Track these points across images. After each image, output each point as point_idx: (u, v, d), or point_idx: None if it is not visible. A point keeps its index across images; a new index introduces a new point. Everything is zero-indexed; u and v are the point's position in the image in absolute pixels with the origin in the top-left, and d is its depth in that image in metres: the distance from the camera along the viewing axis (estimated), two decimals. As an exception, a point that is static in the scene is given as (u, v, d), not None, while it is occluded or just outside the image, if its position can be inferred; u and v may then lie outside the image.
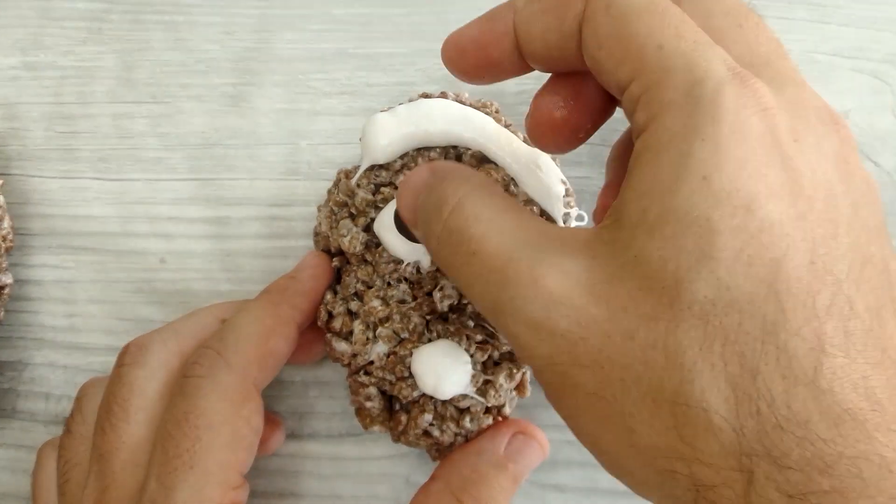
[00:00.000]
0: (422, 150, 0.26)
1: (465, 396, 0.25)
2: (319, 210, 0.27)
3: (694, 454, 0.15)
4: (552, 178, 0.25)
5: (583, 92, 0.20)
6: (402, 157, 0.26)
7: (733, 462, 0.15)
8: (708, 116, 0.16)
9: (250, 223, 0.30)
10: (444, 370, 0.24)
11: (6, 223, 0.28)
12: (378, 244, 0.25)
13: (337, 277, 0.26)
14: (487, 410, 0.25)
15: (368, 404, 0.25)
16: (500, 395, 0.25)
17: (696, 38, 0.17)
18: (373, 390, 0.25)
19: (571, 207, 0.26)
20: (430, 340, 0.25)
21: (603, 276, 0.17)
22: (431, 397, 0.25)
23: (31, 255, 0.30)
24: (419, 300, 0.25)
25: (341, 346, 0.25)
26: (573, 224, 0.26)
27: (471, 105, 0.26)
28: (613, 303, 0.16)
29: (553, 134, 0.21)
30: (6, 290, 0.28)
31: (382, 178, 0.26)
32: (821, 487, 0.14)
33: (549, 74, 0.21)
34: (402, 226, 0.24)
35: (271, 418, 0.28)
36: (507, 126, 0.26)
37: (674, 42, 0.17)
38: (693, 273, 0.15)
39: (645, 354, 0.16)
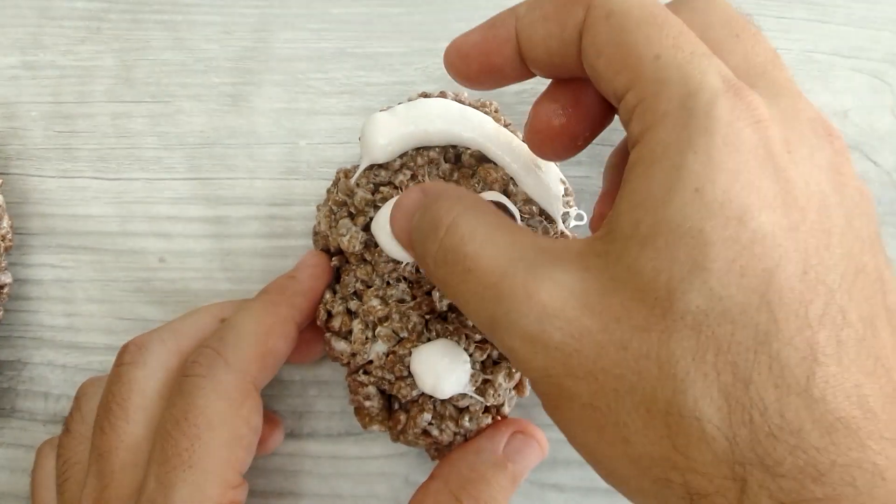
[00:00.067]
0: (421, 150, 0.26)
1: (464, 396, 0.25)
2: (318, 209, 0.27)
3: (688, 463, 0.15)
4: (551, 177, 0.25)
5: (582, 100, 0.21)
6: (401, 156, 0.26)
7: (726, 470, 0.15)
8: (701, 128, 0.16)
9: (249, 222, 0.30)
10: (444, 369, 0.24)
11: (5, 222, 0.28)
12: (377, 244, 0.25)
13: (336, 277, 0.26)
14: (486, 410, 0.25)
15: (367, 403, 0.25)
16: (499, 395, 0.25)
17: (694, 49, 0.17)
18: (372, 389, 0.25)
19: (571, 207, 0.26)
20: (429, 340, 0.25)
21: (596, 288, 0.17)
22: (430, 396, 0.25)
23: (31, 255, 0.30)
24: (418, 299, 0.25)
25: (340, 345, 0.25)
26: (572, 223, 0.26)
27: (470, 104, 0.26)
28: (606, 314, 0.17)
29: (552, 141, 0.21)
30: (5, 290, 0.28)
31: (382, 177, 0.26)
32: (814, 495, 0.15)
33: (549, 79, 0.21)
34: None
35: (270, 417, 0.28)
36: (506, 125, 0.26)
37: (671, 53, 0.17)
38: (686, 284, 0.16)
39: (638, 365, 0.16)
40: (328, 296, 0.26)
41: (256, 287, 0.26)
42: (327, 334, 0.26)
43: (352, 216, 0.26)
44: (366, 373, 0.25)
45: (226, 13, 0.31)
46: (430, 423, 0.25)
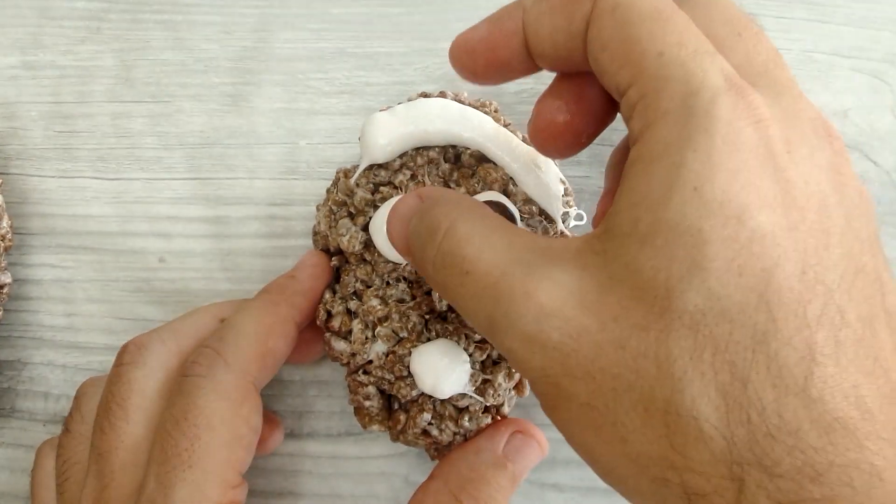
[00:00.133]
0: (421, 150, 0.26)
1: (463, 395, 0.25)
2: (318, 209, 0.27)
3: (685, 463, 0.15)
4: (551, 177, 0.25)
5: (585, 96, 0.21)
6: (401, 156, 0.26)
7: (724, 470, 0.15)
8: (701, 127, 0.16)
9: (249, 222, 0.30)
10: (443, 369, 0.24)
11: (5, 222, 0.28)
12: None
13: (336, 277, 0.26)
14: (486, 409, 0.25)
15: (367, 403, 0.25)
16: (498, 395, 0.25)
17: (698, 47, 0.17)
18: (372, 389, 0.25)
19: (570, 206, 0.26)
20: (428, 339, 0.25)
21: (594, 287, 0.17)
22: (430, 396, 0.25)
23: (30, 255, 0.30)
24: (418, 299, 0.25)
25: (340, 345, 0.25)
26: (572, 223, 0.26)
27: (470, 104, 0.26)
28: (604, 313, 0.16)
29: (555, 138, 0.21)
30: (5, 290, 0.28)
31: (381, 177, 0.26)
32: (811, 496, 0.15)
33: (554, 74, 0.21)
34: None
35: (270, 417, 0.28)
36: (506, 125, 0.26)
37: (674, 50, 0.17)
38: (684, 283, 0.16)
39: (636, 364, 0.16)
40: (328, 296, 0.26)
41: (256, 287, 0.26)
42: (327, 334, 0.26)
43: (352, 216, 0.26)
44: (365, 373, 0.25)
45: (226, 13, 0.31)
46: (429, 423, 0.25)
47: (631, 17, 0.17)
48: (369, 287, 0.25)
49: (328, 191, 0.27)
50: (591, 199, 0.29)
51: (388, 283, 0.25)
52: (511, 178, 0.25)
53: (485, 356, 0.25)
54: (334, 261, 0.26)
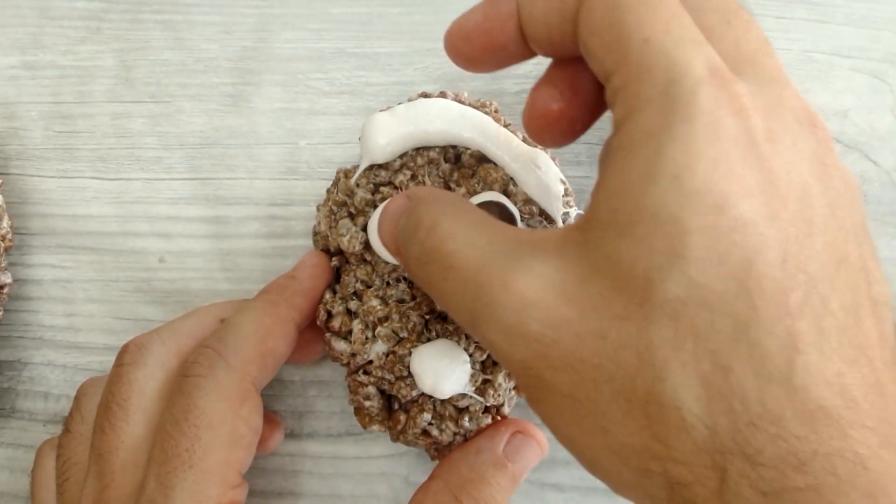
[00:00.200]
0: (421, 150, 0.26)
1: (463, 396, 0.25)
2: (318, 209, 0.27)
3: (668, 452, 0.15)
4: (551, 177, 0.25)
5: (580, 83, 0.20)
6: (401, 156, 0.26)
7: (706, 460, 0.15)
8: (682, 116, 0.16)
9: (249, 223, 0.30)
10: (443, 369, 0.24)
11: (5, 222, 0.28)
12: (377, 244, 0.25)
13: (336, 277, 0.26)
14: (486, 410, 0.25)
15: (367, 403, 0.25)
16: (498, 395, 0.25)
17: (684, 34, 0.17)
18: (372, 389, 0.25)
19: (571, 207, 0.26)
20: (429, 340, 0.25)
21: (574, 278, 0.17)
22: (430, 396, 0.25)
23: (30, 255, 0.30)
24: (418, 299, 0.25)
25: (340, 345, 0.25)
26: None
27: (470, 105, 0.26)
28: (585, 303, 0.16)
29: (550, 127, 0.21)
30: (5, 290, 0.28)
31: (382, 177, 0.26)
32: (795, 485, 0.14)
33: (550, 59, 0.21)
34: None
35: (270, 417, 0.28)
36: (506, 126, 0.26)
37: (660, 37, 0.17)
38: (664, 272, 0.15)
39: (617, 354, 0.16)
40: (328, 296, 0.26)
41: (256, 287, 0.26)
42: (327, 334, 0.26)
43: (352, 216, 0.26)
44: (366, 373, 0.25)
45: (226, 13, 0.31)
46: (429, 424, 0.25)
47: (620, 1, 0.17)
48: (369, 287, 0.25)
49: (328, 191, 0.27)
50: (591, 200, 0.29)
51: (388, 284, 0.25)
52: (511, 178, 0.25)
53: (485, 356, 0.25)
54: (334, 261, 0.26)
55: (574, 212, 0.26)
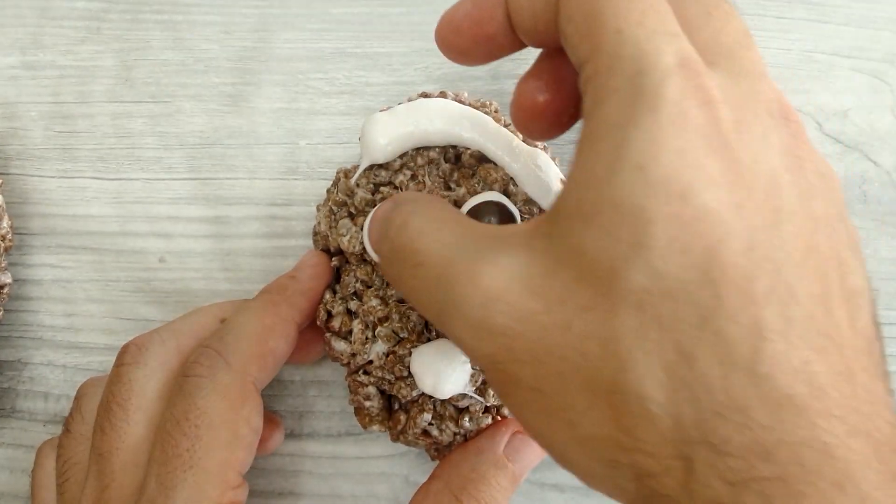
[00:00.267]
0: (421, 150, 0.26)
1: (464, 396, 0.25)
2: (319, 209, 0.27)
3: (633, 443, 0.15)
4: (551, 177, 0.25)
5: (565, 75, 0.20)
6: (401, 156, 0.26)
7: (672, 450, 0.15)
8: (647, 107, 0.16)
9: (249, 223, 0.30)
10: (443, 370, 0.24)
11: (5, 222, 0.28)
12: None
13: (336, 277, 0.26)
14: (486, 410, 0.25)
15: (367, 404, 0.25)
16: (499, 395, 0.25)
17: (657, 26, 0.17)
18: (372, 390, 0.25)
19: (570, 207, 0.26)
20: (429, 340, 0.25)
21: (539, 270, 0.17)
22: (430, 397, 0.25)
23: (31, 255, 0.30)
24: (418, 300, 0.25)
25: (340, 345, 0.25)
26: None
27: (470, 105, 0.26)
28: (550, 295, 0.16)
29: (537, 119, 0.21)
30: (5, 290, 0.28)
31: (382, 177, 0.26)
32: (762, 474, 0.14)
33: (539, 50, 0.21)
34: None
35: (271, 418, 0.28)
36: (506, 126, 0.26)
37: (633, 28, 0.16)
38: (628, 262, 0.15)
39: (581, 345, 0.16)
40: (328, 296, 0.26)
41: (256, 287, 0.26)
42: (327, 334, 0.26)
43: (352, 216, 0.26)
44: (366, 373, 0.25)
45: (226, 13, 0.31)
46: (430, 424, 0.25)
47: None
48: (370, 287, 0.25)
49: (328, 191, 0.27)
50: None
51: (388, 283, 0.25)
52: (511, 178, 0.25)
53: (485, 356, 0.25)
54: (335, 261, 0.26)
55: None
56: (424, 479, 0.25)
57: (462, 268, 0.18)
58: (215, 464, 0.22)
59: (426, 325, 0.25)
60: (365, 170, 0.26)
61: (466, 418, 0.25)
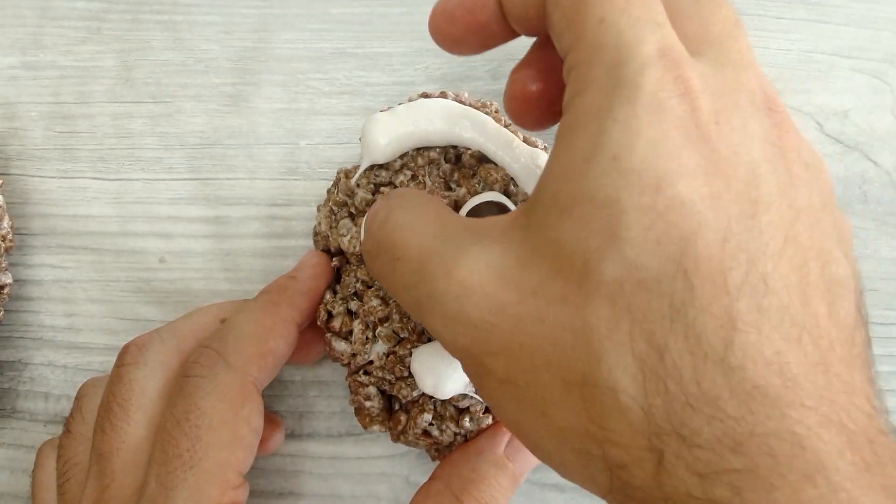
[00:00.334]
0: (421, 150, 0.26)
1: (464, 396, 0.25)
2: (319, 210, 0.27)
3: (605, 435, 0.15)
4: (551, 177, 0.25)
5: (558, 64, 0.20)
6: (401, 156, 0.26)
7: (643, 441, 0.15)
8: (624, 97, 0.16)
9: (249, 223, 0.30)
10: (444, 370, 0.24)
11: (6, 223, 0.28)
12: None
13: (336, 277, 0.26)
14: (487, 410, 0.25)
15: (368, 404, 0.25)
16: (499, 395, 0.25)
17: (642, 14, 0.16)
18: (372, 390, 0.25)
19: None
20: (429, 340, 0.25)
21: (515, 262, 0.17)
22: (431, 397, 0.25)
23: (31, 255, 0.30)
24: (419, 300, 0.25)
25: (341, 345, 0.25)
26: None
27: (470, 105, 0.26)
28: (524, 287, 0.16)
29: (530, 108, 0.21)
30: (6, 290, 0.28)
31: (382, 177, 0.26)
32: (732, 466, 0.14)
33: (532, 39, 0.21)
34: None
35: (271, 418, 0.28)
36: (506, 126, 0.26)
37: (616, 17, 0.16)
38: (601, 253, 0.15)
39: (554, 336, 0.16)
40: (328, 296, 0.26)
41: (256, 287, 0.26)
42: (328, 335, 0.26)
43: (352, 216, 0.26)
44: (366, 373, 0.25)
45: (226, 13, 0.31)
46: (430, 424, 0.25)
47: None
48: (370, 287, 0.25)
49: (329, 191, 0.27)
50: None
51: (388, 284, 0.25)
52: (512, 178, 0.25)
53: (485, 356, 0.25)
54: (335, 261, 0.26)
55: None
56: (425, 480, 0.25)
57: (439, 261, 0.18)
58: (216, 464, 0.22)
59: (426, 325, 0.25)
60: (365, 170, 0.26)
61: (467, 418, 0.25)
